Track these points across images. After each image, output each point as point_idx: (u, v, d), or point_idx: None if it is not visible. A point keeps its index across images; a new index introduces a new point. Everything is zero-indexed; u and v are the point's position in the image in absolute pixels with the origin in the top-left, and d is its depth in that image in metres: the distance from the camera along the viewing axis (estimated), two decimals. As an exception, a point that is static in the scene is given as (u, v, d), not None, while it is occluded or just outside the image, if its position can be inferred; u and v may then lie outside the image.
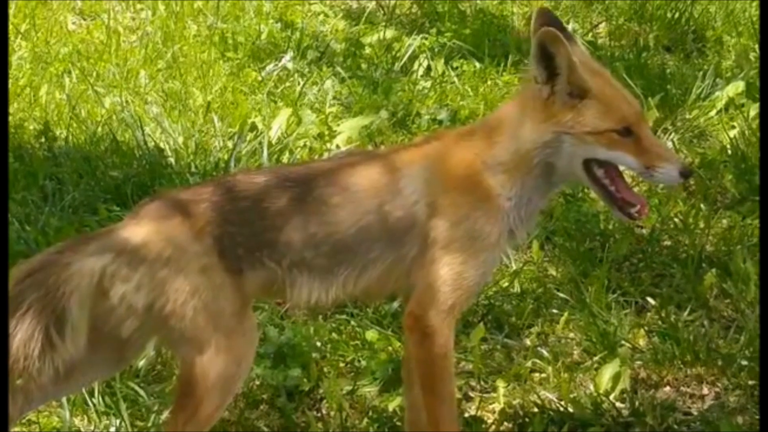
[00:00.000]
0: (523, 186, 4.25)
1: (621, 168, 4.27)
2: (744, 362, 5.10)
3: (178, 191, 4.47)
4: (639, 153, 4.17)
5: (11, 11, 8.76)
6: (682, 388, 5.09)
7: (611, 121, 4.16)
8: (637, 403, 4.91)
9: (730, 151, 6.76)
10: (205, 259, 4.07)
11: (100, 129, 7.02)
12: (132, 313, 4.03)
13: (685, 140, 7.05)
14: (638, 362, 5.18)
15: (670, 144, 6.83)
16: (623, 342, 5.26)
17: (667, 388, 5.10)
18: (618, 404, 4.92)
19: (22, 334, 3.95)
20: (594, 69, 4.27)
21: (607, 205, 4.38)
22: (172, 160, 6.61)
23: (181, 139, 6.84)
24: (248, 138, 6.92)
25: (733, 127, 7.08)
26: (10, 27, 8.52)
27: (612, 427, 4.82)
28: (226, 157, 6.64)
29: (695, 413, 4.96)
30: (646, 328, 5.39)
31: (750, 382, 5.03)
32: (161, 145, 6.77)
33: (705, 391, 5.07)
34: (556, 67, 4.14)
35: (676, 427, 4.86)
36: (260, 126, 7.08)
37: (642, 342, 5.32)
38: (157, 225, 4.08)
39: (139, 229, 4.08)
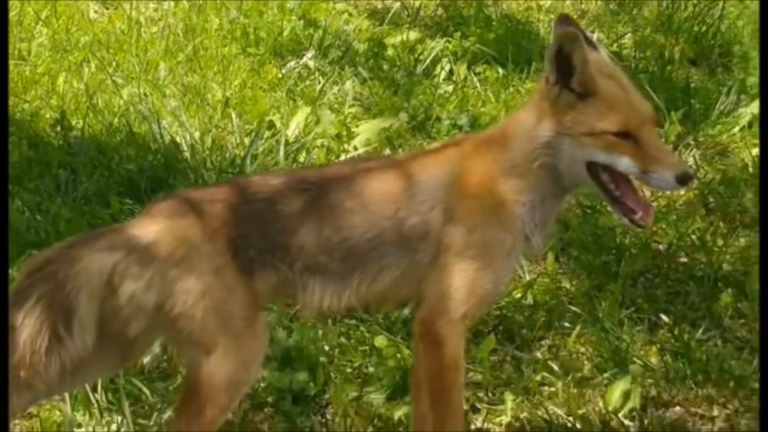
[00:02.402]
0: (536, 190, 4.20)
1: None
2: (756, 384, 5.04)
3: (192, 190, 4.44)
4: (637, 157, 4.09)
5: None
6: (692, 408, 5.03)
7: (609, 122, 4.09)
8: (646, 422, 4.86)
9: (751, 170, 6.69)
10: (218, 260, 4.02)
11: (116, 120, 7.00)
12: (141, 312, 3.98)
13: (706, 156, 6.97)
14: (649, 380, 5.12)
15: (691, 159, 6.78)
16: (635, 359, 5.20)
17: (678, 408, 5.03)
18: (627, 422, 4.87)
19: (30, 328, 3.91)
20: (608, 72, 4.21)
21: (612, 209, 4.30)
22: (187, 154, 6.57)
23: (197, 134, 6.80)
24: (265, 136, 6.87)
25: (756, 144, 7.00)
26: (31, 12, 8.51)
27: (620, 445, 4.79)
28: (242, 154, 6.60)
29: (705, 435, 4.92)
30: (658, 345, 5.33)
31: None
32: (177, 139, 6.72)
33: (716, 412, 5.01)
34: (571, 66, 4.09)
35: (685, 447, 4.83)
36: (278, 124, 7.02)
37: (654, 360, 5.25)
38: (170, 223, 4.04)
39: (152, 227, 4.03)
